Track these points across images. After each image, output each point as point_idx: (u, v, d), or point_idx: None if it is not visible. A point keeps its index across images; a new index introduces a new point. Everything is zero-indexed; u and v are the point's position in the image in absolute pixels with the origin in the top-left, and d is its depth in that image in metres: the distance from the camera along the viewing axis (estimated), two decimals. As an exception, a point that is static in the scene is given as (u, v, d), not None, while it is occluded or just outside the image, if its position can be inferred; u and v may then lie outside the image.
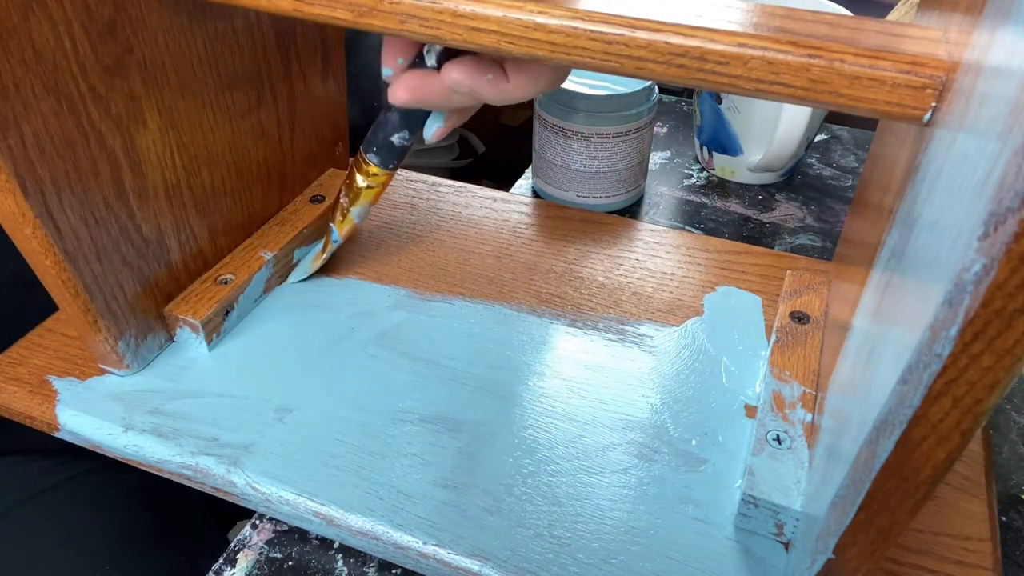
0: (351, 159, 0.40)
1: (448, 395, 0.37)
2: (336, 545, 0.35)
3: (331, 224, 0.41)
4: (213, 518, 0.54)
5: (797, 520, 0.30)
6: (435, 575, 0.31)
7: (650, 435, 0.35)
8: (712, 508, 0.32)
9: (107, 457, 0.36)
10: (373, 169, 0.38)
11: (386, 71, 0.32)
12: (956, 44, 0.20)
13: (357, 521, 0.31)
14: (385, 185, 0.39)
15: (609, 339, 0.40)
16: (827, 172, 0.62)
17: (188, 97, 0.36)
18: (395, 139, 0.37)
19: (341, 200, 0.40)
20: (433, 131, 0.35)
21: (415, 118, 0.35)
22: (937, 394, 0.16)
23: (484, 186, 0.51)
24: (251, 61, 0.39)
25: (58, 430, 0.36)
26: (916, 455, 0.17)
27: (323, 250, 0.42)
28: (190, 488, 0.35)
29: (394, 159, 0.38)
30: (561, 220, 0.48)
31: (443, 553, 0.30)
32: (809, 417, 0.33)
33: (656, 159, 0.63)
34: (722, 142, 0.59)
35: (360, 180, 0.39)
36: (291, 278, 0.44)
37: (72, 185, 0.31)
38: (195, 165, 0.37)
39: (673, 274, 0.44)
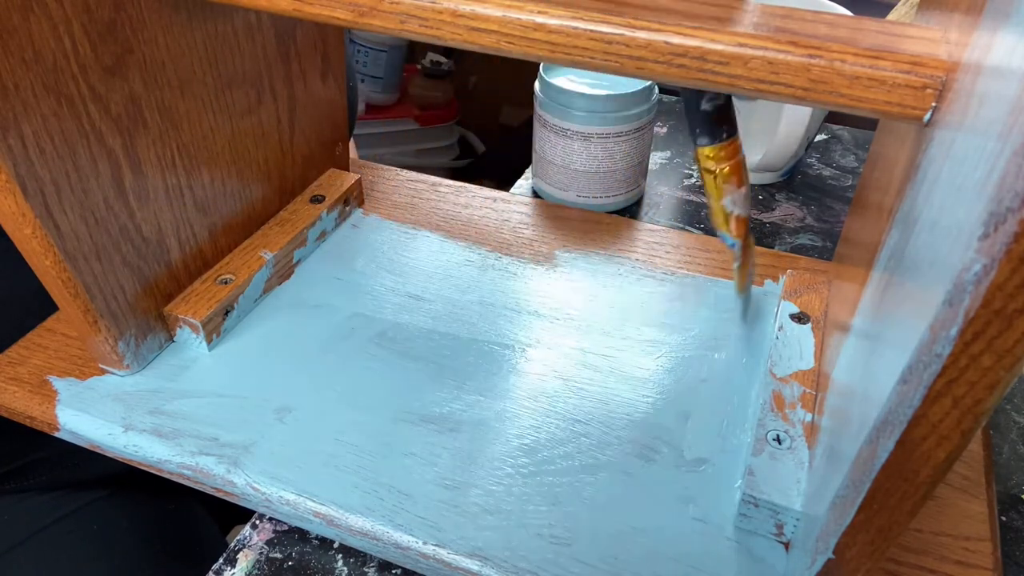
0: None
1: (448, 395, 0.37)
2: (336, 545, 0.35)
3: (718, 232, 0.36)
4: (217, 548, 0.54)
5: (797, 520, 0.30)
6: (435, 575, 0.31)
7: (650, 435, 0.35)
8: (712, 508, 0.32)
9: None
10: (707, 151, 0.33)
11: None
12: (956, 44, 0.20)
13: (357, 521, 0.31)
14: (733, 158, 0.34)
15: (609, 339, 0.40)
16: (827, 172, 0.62)
17: (188, 97, 0.36)
18: (705, 106, 0.32)
19: (711, 205, 0.35)
20: None
21: None
22: (937, 394, 0.16)
23: (484, 186, 0.51)
24: (251, 61, 0.39)
25: (58, 430, 0.36)
26: (916, 455, 0.17)
27: (739, 264, 0.37)
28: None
29: (715, 127, 0.33)
30: (561, 220, 0.48)
31: (443, 553, 0.30)
32: (809, 417, 0.33)
33: (656, 159, 0.63)
34: (722, 142, 0.59)
35: (706, 173, 0.34)
36: (746, 318, 0.40)
37: (72, 185, 0.31)
38: (195, 165, 0.37)
39: (673, 274, 0.44)
